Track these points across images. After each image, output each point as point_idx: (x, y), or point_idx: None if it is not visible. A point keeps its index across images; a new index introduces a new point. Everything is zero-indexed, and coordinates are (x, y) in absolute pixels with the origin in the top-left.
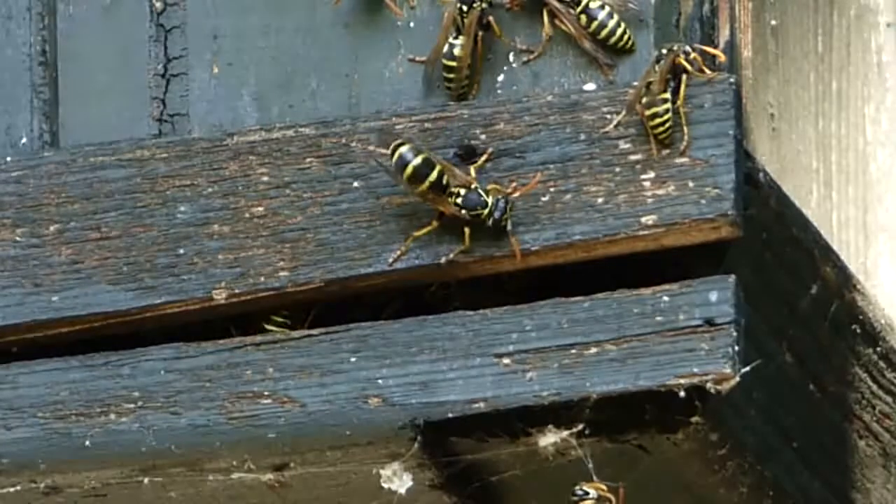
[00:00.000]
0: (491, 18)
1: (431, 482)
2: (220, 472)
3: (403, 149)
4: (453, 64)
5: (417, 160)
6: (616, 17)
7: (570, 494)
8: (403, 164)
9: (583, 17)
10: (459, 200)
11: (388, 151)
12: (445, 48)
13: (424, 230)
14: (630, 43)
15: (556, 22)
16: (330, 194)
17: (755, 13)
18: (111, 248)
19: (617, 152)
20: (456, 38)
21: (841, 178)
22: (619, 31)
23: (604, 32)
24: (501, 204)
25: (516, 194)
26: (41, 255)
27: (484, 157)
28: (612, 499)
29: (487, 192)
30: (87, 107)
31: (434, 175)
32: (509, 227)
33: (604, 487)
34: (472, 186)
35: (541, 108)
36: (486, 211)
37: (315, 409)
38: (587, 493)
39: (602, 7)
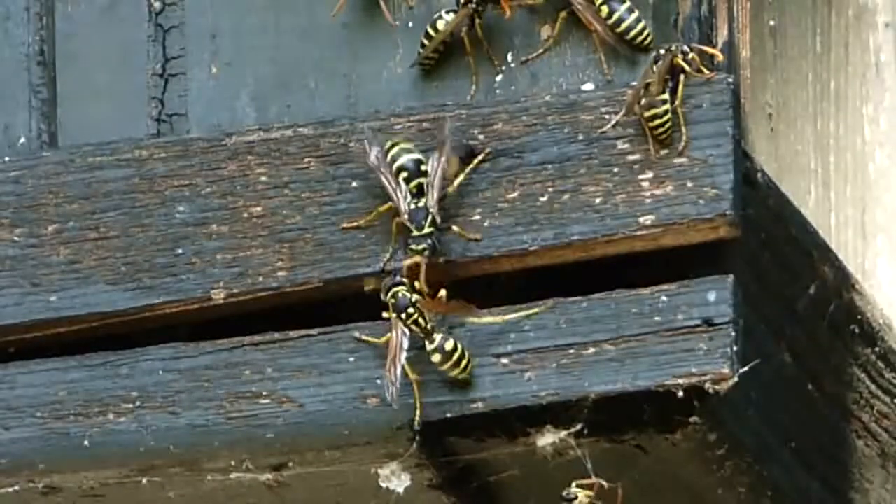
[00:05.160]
0: (479, 24)
1: (430, 482)
2: (218, 471)
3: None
4: (431, 33)
5: None
6: (636, 12)
7: (561, 500)
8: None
9: (604, 8)
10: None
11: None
12: (434, 17)
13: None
14: (649, 40)
15: (582, 20)
16: (328, 194)
17: (753, 13)
18: (109, 247)
19: (615, 152)
20: (448, 13)
21: (839, 178)
22: (639, 26)
23: (623, 26)
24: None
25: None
26: (39, 254)
27: (482, 157)
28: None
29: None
30: (86, 107)
31: None
32: (440, 224)
33: (592, 491)
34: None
35: (539, 108)
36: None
37: (313, 408)
38: (575, 497)
39: (622, 2)
